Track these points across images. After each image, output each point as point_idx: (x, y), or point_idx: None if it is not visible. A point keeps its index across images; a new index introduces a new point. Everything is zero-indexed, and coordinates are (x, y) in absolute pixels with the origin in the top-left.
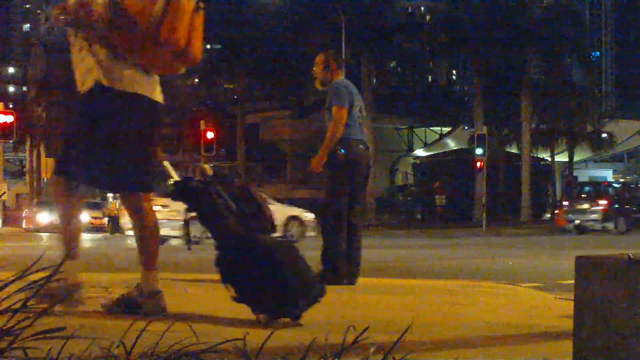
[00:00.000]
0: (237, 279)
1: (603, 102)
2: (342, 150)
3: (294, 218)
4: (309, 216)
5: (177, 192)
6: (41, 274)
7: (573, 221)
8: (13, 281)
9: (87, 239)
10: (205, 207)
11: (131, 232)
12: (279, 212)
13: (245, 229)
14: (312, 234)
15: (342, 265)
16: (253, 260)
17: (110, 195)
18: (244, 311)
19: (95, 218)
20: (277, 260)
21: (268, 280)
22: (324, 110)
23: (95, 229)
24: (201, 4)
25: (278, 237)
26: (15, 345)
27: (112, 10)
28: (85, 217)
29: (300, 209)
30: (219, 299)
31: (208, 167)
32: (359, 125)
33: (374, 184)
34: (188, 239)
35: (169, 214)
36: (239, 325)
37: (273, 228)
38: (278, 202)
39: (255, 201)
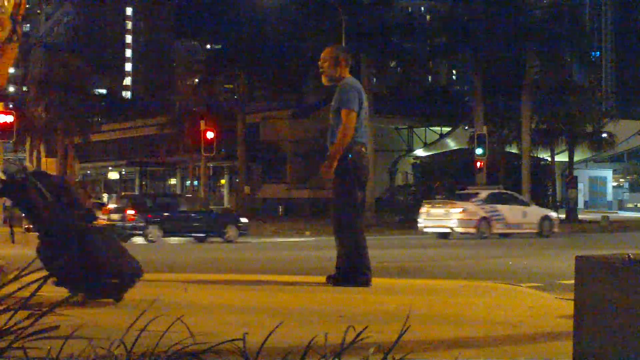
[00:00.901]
0: (56, 264)
1: (603, 102)
2: (350, 155)
3: (545, 217)
4: (554, 215)
5: (1, 189)
6: (40, 274)
7: None
8: (12, 280)
9: None
10: (26, 201)
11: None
12: (536, 212)
13: (62, 218)
14: (557, 230)
15: (365, 271)
16: (68, 246)
17: (105, 195)
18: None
19: None
20: (90, 245)
21: (83, 264)
22: (330, 110)
23: None
24: (15, 37)
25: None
26: (15, 345)
27: None
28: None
29: (549, 210)
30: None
31: (29, 164)
32: (362, 127)
33: (374, 184)
34: (442, 234)
35: (464, 216)
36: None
37: (91, 216)
38: (534, 205)
39: (71, 192)
